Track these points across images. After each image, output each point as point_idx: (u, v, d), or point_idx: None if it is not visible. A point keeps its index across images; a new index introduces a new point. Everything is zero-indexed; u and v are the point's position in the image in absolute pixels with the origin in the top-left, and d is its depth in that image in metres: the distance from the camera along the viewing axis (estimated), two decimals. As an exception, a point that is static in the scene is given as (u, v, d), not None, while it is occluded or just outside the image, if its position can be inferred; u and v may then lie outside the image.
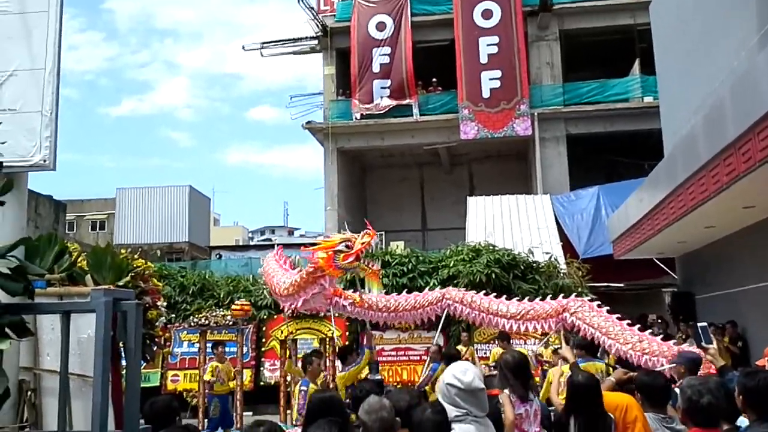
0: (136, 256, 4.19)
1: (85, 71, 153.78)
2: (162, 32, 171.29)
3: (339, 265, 6.81)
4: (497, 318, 7.91)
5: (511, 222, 17.59)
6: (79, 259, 4.16)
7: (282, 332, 12.45)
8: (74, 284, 3.95)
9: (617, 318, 7.00)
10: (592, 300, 8.00)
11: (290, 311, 8.49)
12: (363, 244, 6.84)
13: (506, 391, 4.49)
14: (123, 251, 4.24)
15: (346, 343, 11.74)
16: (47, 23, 4.46)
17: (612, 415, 4.21)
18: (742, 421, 3.94)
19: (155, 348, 4.35)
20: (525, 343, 11.94)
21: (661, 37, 14.63)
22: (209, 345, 11.18)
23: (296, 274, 7.53)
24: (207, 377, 10.47)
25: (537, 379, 8.51)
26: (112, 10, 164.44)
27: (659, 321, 14.40)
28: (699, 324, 4.81)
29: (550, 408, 5.54)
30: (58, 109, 4.36)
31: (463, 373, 3.39)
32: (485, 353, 12.37)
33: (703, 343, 4.72)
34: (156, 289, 4.24)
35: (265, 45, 25.22)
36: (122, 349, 3.61)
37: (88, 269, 4.00)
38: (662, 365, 5.67)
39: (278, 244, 12.86)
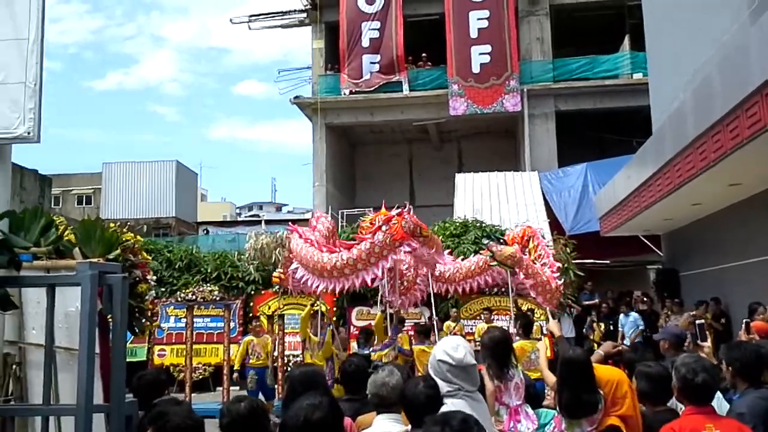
0: (125, 230, 4.15)
1: (69, 44, 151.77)
2: (148, 5, 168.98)
3: None
4: None
5: (499, 199, 17.61)
6: (66, 233, 4.11)
7: (270, 307, 12.44)
8: (61, 258, 3.91)
9: None
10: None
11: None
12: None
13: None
14: (112, 225, 4.21)
15: (333, 318, 11.77)
16: (30, -8, 4.36)
17: (601, 391, 4.16)
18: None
19: (145, 321, 4.33)
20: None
21: (652, 13, 14.55)
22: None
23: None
24: (241, 351, 10.94)
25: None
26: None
27: (644, 298, 14.51)
28: (697, 321, 4.94)
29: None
30: (42, 81, 4.29)
31: (454, 349, 3.39)
32: (471, 329, 12.47)
33: (699, 341, 4.84)
34: (145, 263, 4.22)
35: (253, 18, 24.91)
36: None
37: (76, 242, 3.96)
38: None
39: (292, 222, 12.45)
